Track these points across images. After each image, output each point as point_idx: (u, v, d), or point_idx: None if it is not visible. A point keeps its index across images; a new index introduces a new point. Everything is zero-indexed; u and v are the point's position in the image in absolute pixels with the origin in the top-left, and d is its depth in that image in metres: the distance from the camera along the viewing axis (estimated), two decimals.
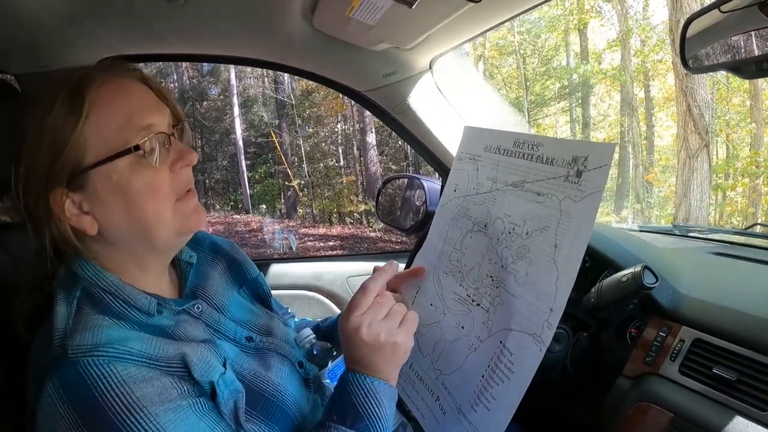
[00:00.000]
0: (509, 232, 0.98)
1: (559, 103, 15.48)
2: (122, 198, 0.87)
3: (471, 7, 1.21)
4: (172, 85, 14.64)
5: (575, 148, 0.89)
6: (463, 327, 1.04)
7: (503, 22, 1.44)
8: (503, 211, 1.00)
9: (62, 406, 0.73)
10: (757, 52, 0.94)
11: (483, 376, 0.95)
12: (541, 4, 1.30)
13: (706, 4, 1.01)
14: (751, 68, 0.95)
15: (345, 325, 0.92)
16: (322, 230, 12.77)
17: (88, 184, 0.86)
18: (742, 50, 0.97)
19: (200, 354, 0.84)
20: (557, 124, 15.90)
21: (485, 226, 1.04)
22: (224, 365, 0.87)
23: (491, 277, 1.00)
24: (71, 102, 0.85)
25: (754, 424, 0.94)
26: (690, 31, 1.04)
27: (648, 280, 1.12)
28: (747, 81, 9.43)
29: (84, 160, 0.85)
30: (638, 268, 1.14)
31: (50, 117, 0.84)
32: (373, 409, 0.89)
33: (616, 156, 13.54)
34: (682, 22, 1.06)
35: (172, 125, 0.95)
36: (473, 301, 1.03)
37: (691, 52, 1.06)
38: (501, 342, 0.94)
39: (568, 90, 15.13)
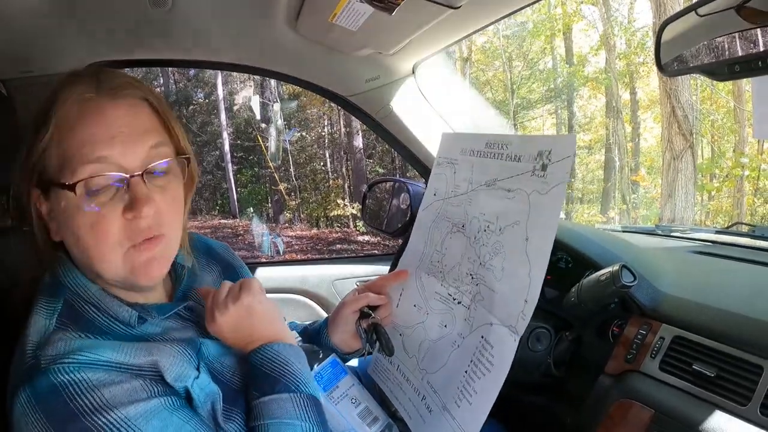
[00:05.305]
0: (485, 230, 1.01)
1: (545, 105, 15.53)
2: (69, 227, 0.84)
3: (451, 13, 1.23)
4: (158, 89, 14.54)
5: (540, 143, 0.93)
6: (445, 326, 1.07)
7: (484, 27, 1.46)
8: (478, 210, 1.03)
9: (34, 414, 0.73)
10: (729, 55, 0.96)
11: (466, 372, 0.97)
12: (519, 9, 1.32)
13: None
14: (723, 70, 0.96)
15: (210, 328, 0.94)
16: (308, 233, 12.73)
17: (49, 196, 0.85)
18: (715, 53, 0.98)
19: (173, 360, 0.84)
20: (544, 127, 15.94)
21: (463, 226, 1.07)
22: (198, 368, 0.87)
23: (471, 275, 1.03)
24: (42, 114, 0.84)
25: (734, 418, 0.95)
26: (665, 35, 1.06)
27: (626, 278, 1.13)
28: (731, 83, 9.53)
29: (45, 173, 0.84)
30: (616, 267, 1.14)
31: (35, 120, 0.85)
32: (283, 368, 0.91)
33: (601, 158, 13.63)
34: None
35: (174, 154, 0.91)
36: (454, 299, 1.06)
37: (666, 56, 1.07)
38: (482, 337, 0.96)
39: (553, 93, 15.18)
